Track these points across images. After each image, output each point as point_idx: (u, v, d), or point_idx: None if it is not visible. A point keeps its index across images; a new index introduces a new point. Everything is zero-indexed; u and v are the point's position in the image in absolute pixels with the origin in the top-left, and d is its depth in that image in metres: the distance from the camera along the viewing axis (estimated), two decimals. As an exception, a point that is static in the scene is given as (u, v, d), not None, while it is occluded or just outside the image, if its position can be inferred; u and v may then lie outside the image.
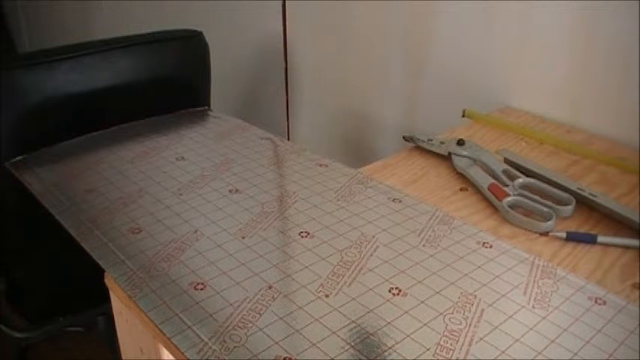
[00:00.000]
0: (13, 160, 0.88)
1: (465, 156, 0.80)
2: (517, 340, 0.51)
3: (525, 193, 0.71)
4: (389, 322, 0.52)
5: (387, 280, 0.58)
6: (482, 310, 0.54)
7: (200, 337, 0.51)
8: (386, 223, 0.68)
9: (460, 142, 0.81)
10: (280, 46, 1.25)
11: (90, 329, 1.19)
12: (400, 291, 0.56)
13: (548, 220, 0.67)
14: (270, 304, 0.54)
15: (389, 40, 1.20)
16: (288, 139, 1.31)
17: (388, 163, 0.83)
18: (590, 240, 0.65)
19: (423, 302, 0.55)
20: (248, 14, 1.51)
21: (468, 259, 0.61)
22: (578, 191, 0.71)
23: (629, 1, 0.83)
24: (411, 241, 0.64)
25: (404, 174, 0.80)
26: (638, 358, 0.49)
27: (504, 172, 0.76)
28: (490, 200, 0.72)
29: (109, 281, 0.60)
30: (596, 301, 0.55)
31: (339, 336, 0.51)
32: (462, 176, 0.78)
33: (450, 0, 1.05)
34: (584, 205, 0.71)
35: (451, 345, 0.50)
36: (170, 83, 1.07)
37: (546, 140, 0.89)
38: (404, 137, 0.87)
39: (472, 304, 0.55)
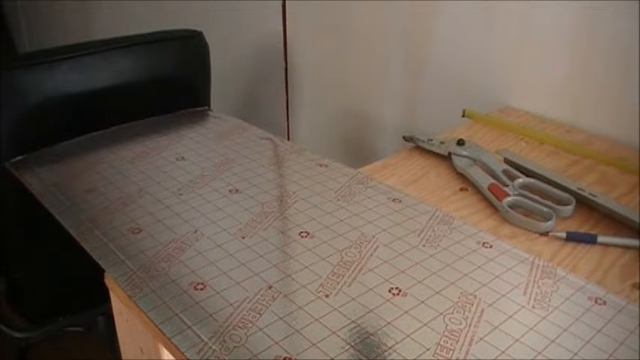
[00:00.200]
0: (13, 160, 0.88)
1: (465, 156, 0.80)
2: (517, 340, 0.51)
3: (525, 193, 0.71)
4: (389, 322, 0.52)
5: (387, 280, 0.58)
6: (483, 310, 0.54)
7: (200, 337, 0.51)
8: (386, 223, 0.68)
9: (460, 142, 0.81)
10: (280, 46, 1.25)
11: (90, 329, 1.19)
12: (400, 291, 0.56)
13: (548, 220, 0.67)
14: (270, 304, 0.54)
15: (389, 40, 1.20)
16: (288, 139, 1.32)
17: (388, 163, 0.83)
18: (590, 240, 0.65)
19: (423, 302, 0.55)
20: (248, 14, 1.51)
21: (468, 259, 0.61)
22: (578, 191, 0.71)
23: (629, 1, 0.83)
24: (411, 241, 0.64)
25: (404, 174, 0.80)
26: (638, 358, 0.49)
27: (504, 172, 0.76)
28: (490, 200, 0.72)
29: (109, 281, 0.60)
30: (596, 301, 0.55)
31: (339, 336, 0.51)
32: (462, 176, 0.78)
33: (450, 0, 1.05)
34: (584, 205, 0.71)
35: (451, 345, 0.50)
36: (170, 83, 1.07)
37: (546, 140, 0.89)
38: (404, 137, 0.87)
39: (472, 304, 0.55)
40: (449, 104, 1.08)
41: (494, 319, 0.53)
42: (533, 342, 0.50)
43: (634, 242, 0.64)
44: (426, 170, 0.81)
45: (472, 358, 0.49)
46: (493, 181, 0.74)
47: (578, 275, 0.59)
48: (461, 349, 0.49)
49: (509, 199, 0.70)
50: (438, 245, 0.63)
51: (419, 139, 0.85)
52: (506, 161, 0.79)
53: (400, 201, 0.72)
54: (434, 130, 0.92)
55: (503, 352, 0.49)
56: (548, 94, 0.97)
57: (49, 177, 0.82)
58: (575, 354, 0.49)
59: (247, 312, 0.53)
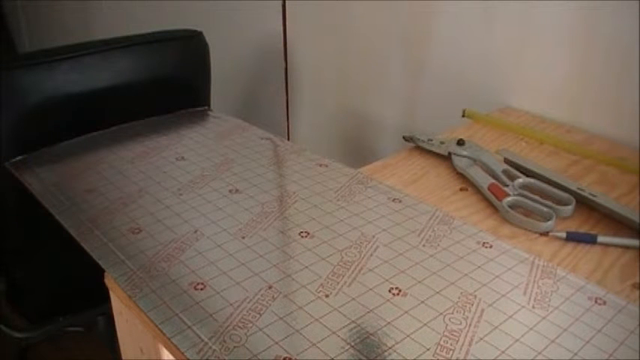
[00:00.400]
0: (13, 160, 0.88)
1: (465, 156, 0.80)
2: (517, 340, 0.51)
3: (525, 193, 0.71)
4: (389, 322, 0.52)
5: (387, 280, 0.58)
6: (483, 310, 0.54)
7: (200, 337, 0.51)
8: (386, 223, 0.68)
9: (460, 142, 0.81)
10: (280, 46, 1.25)
11: (90, 329, 1.19)
12: (400, 291, 0.56)
13: (548, 220, 0.67)
14: (270, 304, 0.54)
15: (389, 40, 1.20)
16: (288, 139, 1.31)
17: (388, 163, 0.83)
18: (590, 240, 0.65)
19: (423, 302, 0.55)
20: (248, 14, 1.51)
21: (468, 259, 0.61)
22: (578, 191, 0.71)
23: (628, 1, 0.83)
24: (411, 241, 0.64)
25: (404, 174, 0.80)
26: (638, 358, 0.49)
27: (504, 172, 0.76)
28: (490, 200, 0.72)
29: (109, 281, 0.60)
30: (596, 301, 0.55)
31: (339, 336, 0.51)
32: (462, 176, 0.78)
33: (450, 0, 1.05)
34: (584, 205, 0.71)
35: (451, 345, 0.50)
36: (170, 83, 1.07)
37: (546, 140, 0.89)
38: (404, 137, 0.87)
39: (472, 304, 0.55)
40: (449, 104, 1.08)
41: (494, 319, 0.53)
42: (533, 342, 0.50)
43: (634, 242, 0.64)
44: (426, 170, 0.81)
45: (472, 358, 0.49)
46: (493, 181, 0.74)
47: (578, 275, 0.59)
48: (461, 349, 0.49)
49: (509, 199, 0.70)
50: (438, 245, 0.63)
51: (419, 139, 0.85)
52: (506, 161, 0.79)
53: (400, 201, 0.72)
54: (434, 130, 0.92)
55: (503, 352, 0.49)
56: (548, 94, 0.97)
57: (49, 177, 0.82)
58: (575, 354, 0.49)
59: (247, 312, 0.53)
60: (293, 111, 1.40)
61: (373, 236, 0.65)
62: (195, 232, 0.66)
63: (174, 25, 1.10)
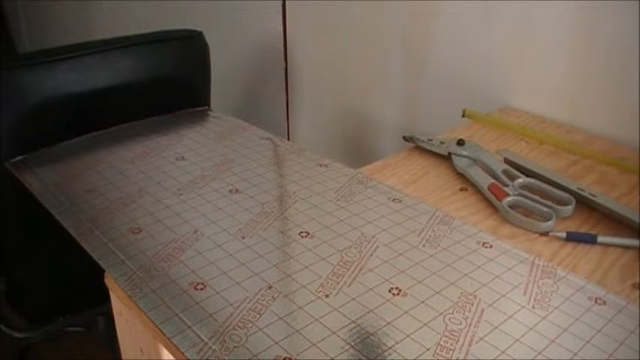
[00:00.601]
0: (13, 160, 0.88)
1: (465, 156, 0.80)
2: (517, 340, 0.51)
3: (525, 193, 0.71)
4: (389, 322, 0.52)
5: (387, 280, 0.58)
6: (483, 310, 0.54)
7: (200, 337, 0.51)
8: (386, 223, 0.68)
9: (460, 142, 0.81)
10: (280, 46, 1.25)
11: (90, 329, 1.19)
12: (400, 291, 0.56)
13: (548, 220, 0.67)
14: (270, 304, 0.54)
15: (389, 40, 1.20)
16: (288, 139, 1.31)
17: (388, 163, 0.83)
18: (590, 240, 0.65)
19: (423, 302, 0.55)
20: (248, 14, 1.51)
21: (468, 259, 0.61)
22: (578, 191, 0.71)
23: (628, 1, 0.83)
24: (411, 241, 0.64)
25: (404, 174, 0.80)
26: (638, 358, 0.49)
27: (504, 172, 0.76)
28: (490, 200, 0.72)
29: (109, 281, 0.60)
30: (596, 301, 0.55)
31: (339, 336, 0.51)
32: (462, 176, 0.78)
33: (450, 0, 1.05)
34: (584, 205, 0.71)
35: (451, 345, 0.50)
36: (170, 83, 1.07)
37: (546, 140, 0.89)
38: (404, 137, 0.87)
39: (472, 304, 0.55)
40: (449, 104, 1.08)
41: (494, 319, 0.53)
42: (533, 342, 0.50)
43: (634, 242, 0.64)
44: (426, 170, 0.81)
45: (472, 358, 0.49)
46: (493, 181, 0.74)
47: (578, 275, 0.59)
48: (461, 349, 0.49)
49: (509, 199, 0.70)
50: (438, 245, 0.63)
51: (419, 139, 0.85)
52: (506, 161, 0.79)
53: (400, 201, 0.72)
54: (434, 130, 0.92)
55: (503, 352, 0.49)
56: (548, 94, 0.97)
57: (49, 177, 0.82)
58: (575, 354, 0.49)
59: (247, 312, 0.53)
60: (293, 111, 1.40)
61: (373, 236, 0.65)
62: (195, 232, 0.66)
63: (174, 25, 1.10)
